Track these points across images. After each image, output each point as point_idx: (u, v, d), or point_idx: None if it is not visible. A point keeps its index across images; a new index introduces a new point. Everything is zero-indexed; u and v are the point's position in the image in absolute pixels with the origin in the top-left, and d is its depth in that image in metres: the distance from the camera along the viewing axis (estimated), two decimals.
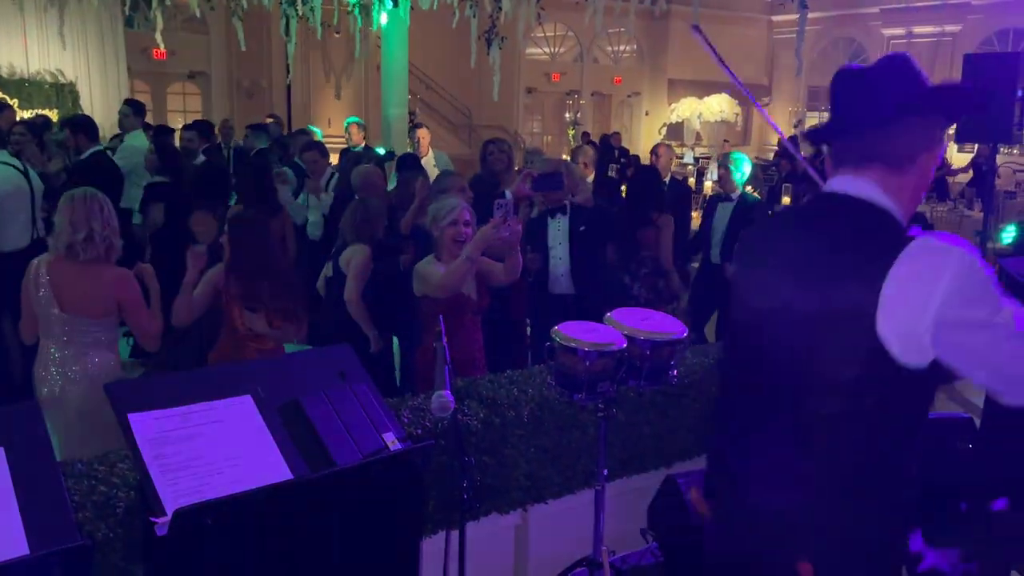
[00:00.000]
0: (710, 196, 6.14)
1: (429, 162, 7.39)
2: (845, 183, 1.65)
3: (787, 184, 10.64)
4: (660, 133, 19.89)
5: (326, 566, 1.93)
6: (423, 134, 8.25)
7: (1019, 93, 6.12)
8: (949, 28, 18.17)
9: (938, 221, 10.40)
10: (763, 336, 1.70)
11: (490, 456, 3.17)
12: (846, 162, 1.66)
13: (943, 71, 17.96)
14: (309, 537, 1.91)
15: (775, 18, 21.44)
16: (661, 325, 2.67)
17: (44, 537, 1.61)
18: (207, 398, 2.03)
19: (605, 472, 2.79)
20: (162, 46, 10.81)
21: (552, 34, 20.20)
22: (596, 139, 15.17)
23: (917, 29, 18.65)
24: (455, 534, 2.51)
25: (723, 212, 5.87)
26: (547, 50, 20.43)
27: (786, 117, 21.02)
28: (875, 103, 1.59)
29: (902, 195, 1.62)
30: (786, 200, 9.45)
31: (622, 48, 21.75)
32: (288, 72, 17.62)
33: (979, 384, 1.58)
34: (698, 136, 17.56)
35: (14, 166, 5.24)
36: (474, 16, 8.60)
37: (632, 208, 5.10)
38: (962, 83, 1.86)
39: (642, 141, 19.01)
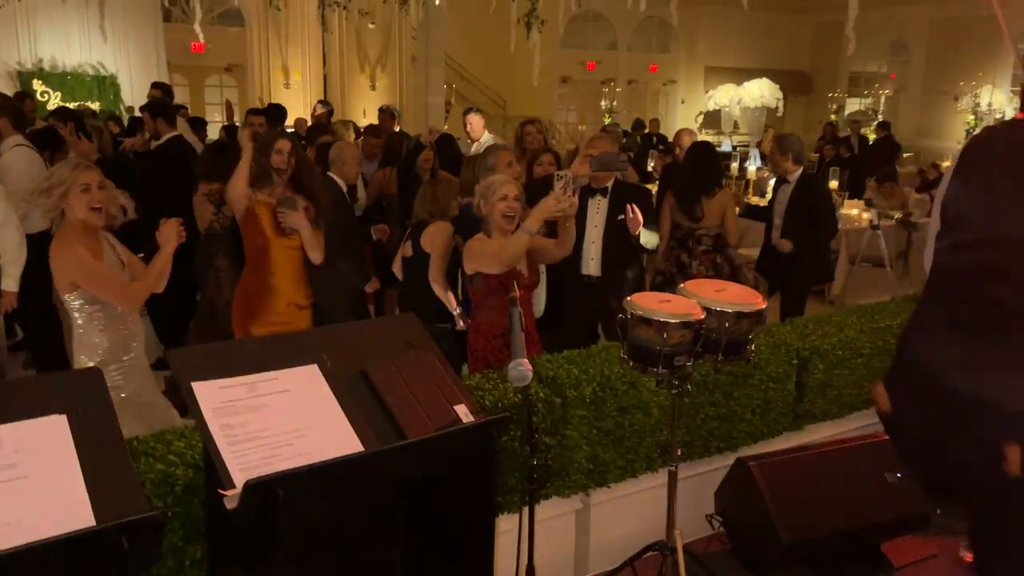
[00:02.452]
0: (776, 179, 5.92)
1: (484, 146, 7.31)
2: None
3: (834, 168, 10.40)
4: (696, 121, 19.58)
5: (398, 541, 1.82)
6: (473, 118, 8.11)
7: None
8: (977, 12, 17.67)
9: None
10: (992, 240, 1.83)
11: (551, 438, 3.05)
12: None
13: (989, 49, 17.45)
14: (381, 511, 1.80)
15: (815, 2, 21.00)
16: (739, 296, 2.52)
17: (111, 508, 1.52)
18: (272, 367, 1.93)
19: (679, 452, 2.65)
20: (201, 38, 10.81)
21: (586, 23, 20.00)
22: (630, 127, 14.95)
23: (958, 9, 18.15)
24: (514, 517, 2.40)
25: (783, 195, 5.69)
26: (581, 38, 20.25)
27: (824, 103, 20.59)
28: None
29: None
30: (833, 184, 9.21)
31: (657, 36, 21.45)
32: (324, 63, 17.68)
33: None
34: (736, 125, 17.22)
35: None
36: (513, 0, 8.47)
37: (690, 183, 4.94)
38: None
39: (676, 129, 18.74)
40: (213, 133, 10.58)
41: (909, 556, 3.40)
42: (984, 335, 1.86)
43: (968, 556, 3.37)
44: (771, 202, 5.90)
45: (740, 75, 19.49)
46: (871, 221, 7.14)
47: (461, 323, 4.16)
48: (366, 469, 1.78)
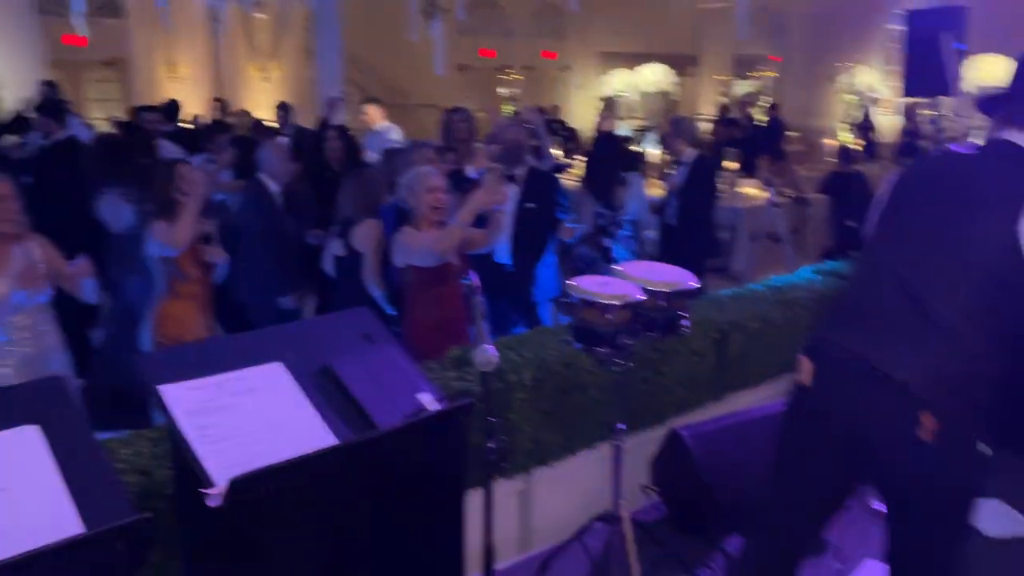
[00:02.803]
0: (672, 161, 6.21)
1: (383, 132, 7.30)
2: (1015, 137, 2.09)
3: (728, 148, 10.84)
4: (597, 106, 19.92)
5: (378, 526, 1.87)
6: (371, 108, 8.08)
7: (955, 46, 6.29)
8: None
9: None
10: (928, 245, 2.08)
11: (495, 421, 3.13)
12: (1013, 124, 2.11)
13: (863, 32, 18.42)
14: (361, 498, 1.85)
15: None
16: (673, 275, 2.66)
17: (97, 514, 1.52)
18: (237, 366, 1.94)
19: (623, 427, 2.78)
20: (80, 31, 10.33)
21: (481, 10, 20.02)
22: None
23: None
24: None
25: (678, 176, 5.93)
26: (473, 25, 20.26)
27: (713, 86, 21.26)
28: None
29: None
30: (729, 164, 9.60)
31: (549, 21, 21.69)
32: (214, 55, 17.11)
33: None
34: (630, 109, 17.63)
35: None
36: None
37: (603, 172, 5.10)
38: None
39: (575, 115, 18.99)
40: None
41: None
42: (883, 317, 2.13)
43: (878, 505, 3.64)
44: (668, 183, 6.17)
45: (632, 60, 19.93)
46: (770, 199, 7.50)
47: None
48: (345, 460, 1.82)
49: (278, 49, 17.88)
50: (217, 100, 11.58)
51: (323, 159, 5.96)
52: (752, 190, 9.35)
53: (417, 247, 3.60)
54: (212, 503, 1.63)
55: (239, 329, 4.02)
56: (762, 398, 4.17)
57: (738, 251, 8.20)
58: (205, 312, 4.08)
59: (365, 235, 4.21)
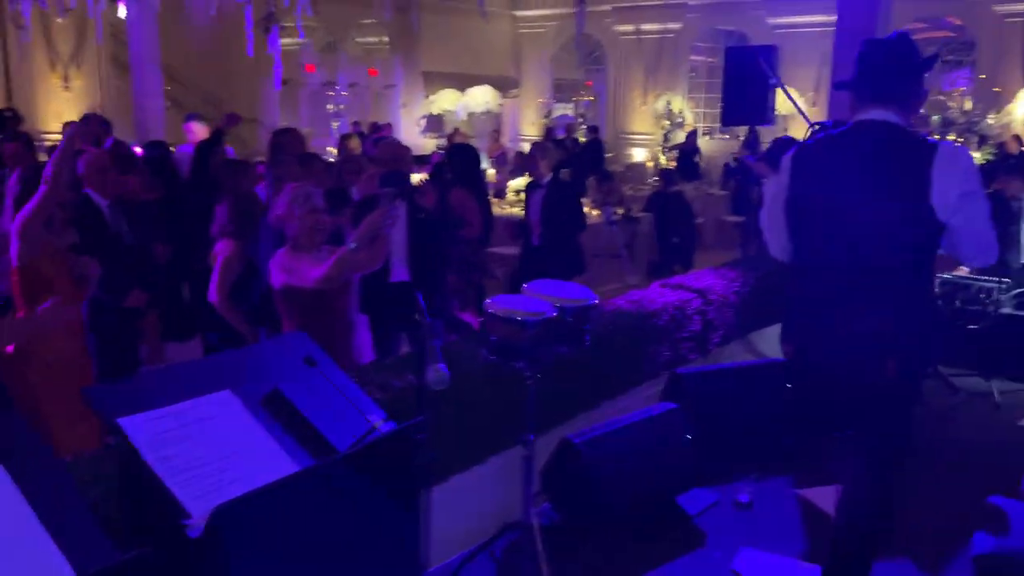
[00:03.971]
0: (528, 184, 6.47)
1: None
2: (878, 114, 2.47)
3: (564, 169, 11.32)
4: (419, 125, 20.10)
5: (338, 540, 1.91)
6: (196, 126, 7.74)
7: (772, 81, 6.99)
8: (672, 26, 20.02)
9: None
10: (844, 224, 2.46)
11: None
12: (875, 101, 2.47)
13: (669, 63, 19.83)
14: (323, 516, 1.88)
15: (518, 13, 22.38)
16: (578, 292, 2.85)
17: (82, 554, 1.47)
18: (187, 396, 1.91)
19: (532, 437, 2.92)
20: None
21: (302, 24, 19.67)
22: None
23: (645, 26, 20.35)
24: None
25: (538, 197, 6.19)
26: (298, 40, 19.86)
27: (535, 108, 22.05)
28: (901, 63, 2.49)
29: (908, 121, 2.50)
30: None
31: (375, 39, 21.66)
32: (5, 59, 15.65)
33: (960, 244, 2.48)
34: (457, 130, 17.91)
35: None
36: (250, 2, 8.23)
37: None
38: (928, 56, 2.66)
39: (400, 133, 19.06)
40: None
41: (698, 505, 3.97)
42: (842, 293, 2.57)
43: (743, 497, 4.01)
44: (527, 204, 6.43)
45: (456, 80, 20.28)
46: (608, 218, 7.94)
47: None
48: (314, 481, 1.84)
49: (81, 55, 16.66)
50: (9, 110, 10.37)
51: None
52: (585, 209, 9.83)
53: (299, 269, 3.55)
54: (193, 533, 1.61)
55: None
56: (633, 404, 4.45)
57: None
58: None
59: (220, 254, 4.14)
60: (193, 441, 1.81)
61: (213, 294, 4.15)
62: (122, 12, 10.28)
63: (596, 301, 2.84)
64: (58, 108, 16.38)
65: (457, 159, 6.01)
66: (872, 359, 2.51)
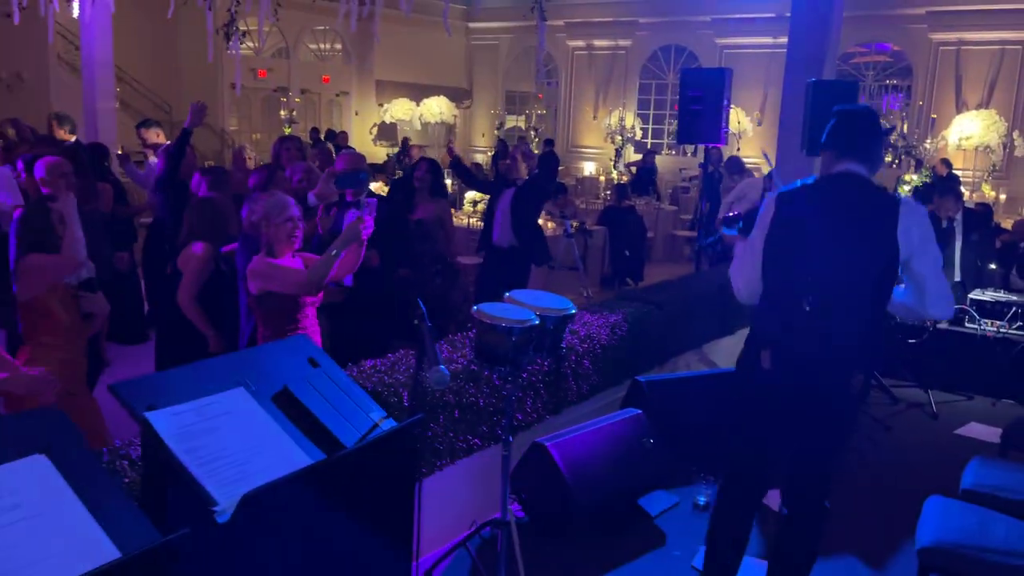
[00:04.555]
0: (497, 183, 6.71)
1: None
2: (852, 167, 2.91)
3: None
4: (371, 133, 20.13)
5: (351, 525, 2.03)
6: (150, 132, 7.68)
7: (725, 103, 7.30)
8: (622, 43, 20.46)
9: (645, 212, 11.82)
10: (826, 256, 2.82)
11: None
12: (852, 157, 2.92)
13: (620, 79, 20.25)
14: (334, 505, 2.00)
15: (471, 24, 22.60)
16: (557, 302, 3.01)
17: (125, 536, 1.57)
18: (204, 393, 2.02)
19: (511, 439, 3.06)
20: None
21: (253, 28, 19.53)
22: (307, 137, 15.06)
23: (596, 42, 20.76)
24: None
25: (507, 196, 6.40)
26: (250, 45, 19.72)
27: (488, 119, 22.29)
28: (873, 130, 3.00)
29: (873, 175, 2.95)
30: None
31: (328, 46, 21.63)
32: None
33: (926, 294, 2.90)
34: (407, 139, 18.02)
35: None
36: (209, 8, 8.24)
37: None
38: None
39: (352, 140, 19.07)
40: None
41: (659, 507, 4.16)
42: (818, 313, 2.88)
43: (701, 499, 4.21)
44: (493, 203, 6.62)
45: (409, 89, 20.38)
46: (566, 230, 8.14)
47: (213, 345, 4.20)
48: (327, 473, 1.96)
49: (24, 56, 16.31)
50: None
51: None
52: (539, 221, 10.04)
53: (278, 276, 3.63)
54: (221, 519, 1.73)
55: None
56: (593, 409, 4.63)
57: (534, 278, 8.78)
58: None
59: (188, 257, 4.21)
60: (215, 434, 1.92)
61: (182, 296, 4.19)
62: (75, 12, 10.11)
63: (574, 311, 3.01)
64: None
65: (431, 171, 6.14)
66: (843, 375, 2.88)
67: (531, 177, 6.49)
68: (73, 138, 7.12)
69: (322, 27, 20.03)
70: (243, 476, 1.86)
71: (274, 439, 2.03)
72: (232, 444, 1.93)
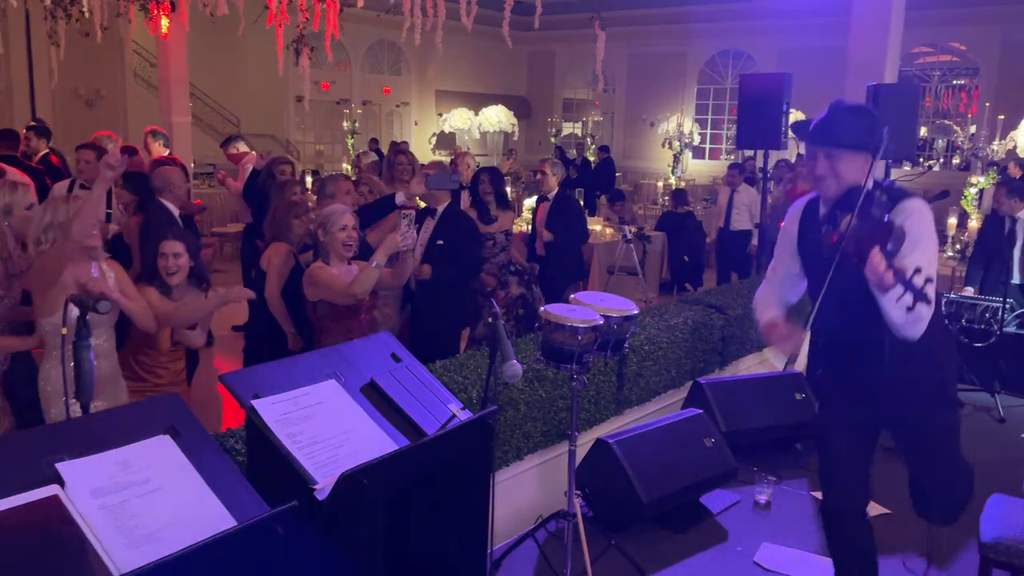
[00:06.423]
0: (537, 197, 6.85)
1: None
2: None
3: (578, 188, 11.68)
4: (431, 143, 20.48)
5: (432, 508, 2.20)
6: (238, 147, 8.06)
7: (784, 107, 7.32)
8: (679, 48, 20.50)
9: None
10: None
11: None
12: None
13: (678, 84, 20.24)
14: (418, 489, 2.17)
15: (528, 34, 22.84)
16: (620, 303, 3.15)
17: (240, 508, 1.76)
18: (301, 384, 2.21)
19: (576, 433, 3.20)
20: None
21: (319, 42, 20.08)
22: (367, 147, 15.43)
23: (653, 48, 20.84)
24: None
25: (544, 209, 6.54)
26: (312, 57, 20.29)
27: (544, 127, 22.48)
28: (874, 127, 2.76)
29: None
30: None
31: (389, 58, 22.11)
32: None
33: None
34: (459, 147, 18.29)
35: None
36: (279, 25, 8.59)
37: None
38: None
39: (413, 150, 19.43)
40: None
41: (720, 505, 4.25)
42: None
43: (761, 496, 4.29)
44: (534, 215, 6.79)
45: (468, 99, 20.70)
46: (624, 236, 8.24)
47: (291, 342, 4.39)
48: (414, 457, 2.13)
49: (99, 73, 17.07)
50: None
51: None
52: (597, 226, 10.15)
53: (331, 286, 3.79)
54: (321, 496, 1.91)
55: None
56: (652, 411, 4.75)
57: (593, 283, 8.90)
58: None
59: (270, 257, 4.42)
60: (312, 420, 2.11)
61: (268, 291, 4.39)
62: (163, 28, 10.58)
63: (637, 312, 3.14)
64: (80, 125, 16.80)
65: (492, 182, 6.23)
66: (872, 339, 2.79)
67: (562, 189, 6.56)
68: (167, 152, 7.51)
69: (382, 39, 20.49)
70: (336, 459, 2.04)
71: (363, 426, 2.21)
72: (326, 430, 2.12)
